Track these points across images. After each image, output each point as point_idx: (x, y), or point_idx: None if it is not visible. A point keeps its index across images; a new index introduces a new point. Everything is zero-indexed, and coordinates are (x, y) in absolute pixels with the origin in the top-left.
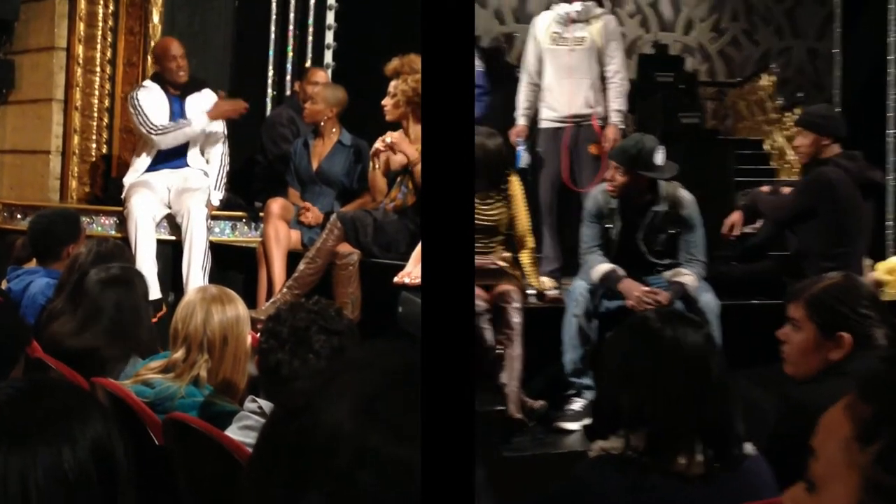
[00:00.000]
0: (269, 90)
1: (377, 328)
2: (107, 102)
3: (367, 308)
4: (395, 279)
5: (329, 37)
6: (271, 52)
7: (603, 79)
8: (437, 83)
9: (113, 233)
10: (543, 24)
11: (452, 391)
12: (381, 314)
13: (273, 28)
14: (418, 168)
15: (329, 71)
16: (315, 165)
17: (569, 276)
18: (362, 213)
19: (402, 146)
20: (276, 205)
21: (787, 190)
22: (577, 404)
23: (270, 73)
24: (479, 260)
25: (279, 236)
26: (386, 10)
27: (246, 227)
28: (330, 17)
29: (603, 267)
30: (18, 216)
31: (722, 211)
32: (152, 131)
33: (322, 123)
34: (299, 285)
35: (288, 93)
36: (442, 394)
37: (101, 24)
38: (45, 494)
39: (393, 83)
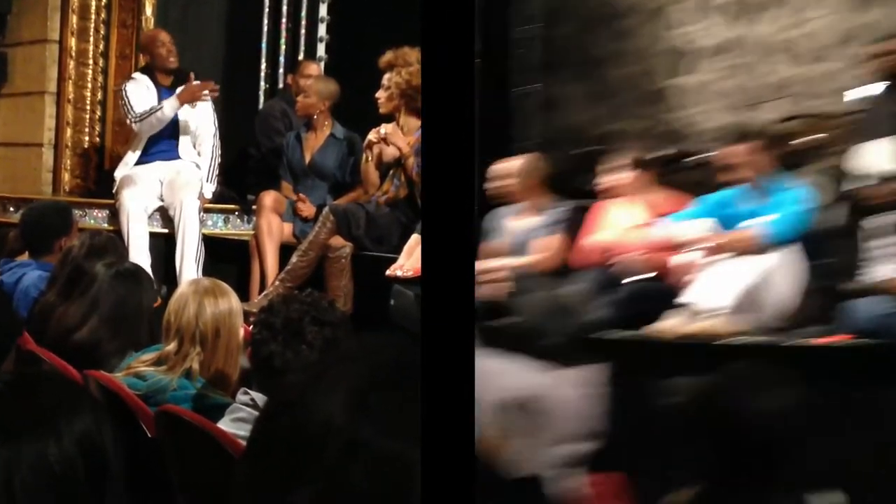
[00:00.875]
0: (262, 83)
1: (370, 321)
2: (99, 95)
3: (359, 301)
4: (388, 272)
5: (322, 29)
6: (264, 45)
7: None
8: (436, 73)
9: (105, 225)
10: None
11: (453, 389)
12: (374, 307)
13: (266, 21)
14: (411, 161)
15: (322, 64)
16: (307, 158)
17: None
18: (354, 206)
19: (394, 139)
20: (268, 198)
21: None
22: None
23: (263, 66)
24: None
25: (272, 229)
26: (379, 3)
27: (239, 220)
28: (322, 10)
29: None
30: (11, 209)
31: None
32: (132, 119)
33: (315, 117)
34: (292, 278)
35: (281, 86)
36: (442, 391)
37: (93, 16)
38: (30, 487)
39: (387, 76)
